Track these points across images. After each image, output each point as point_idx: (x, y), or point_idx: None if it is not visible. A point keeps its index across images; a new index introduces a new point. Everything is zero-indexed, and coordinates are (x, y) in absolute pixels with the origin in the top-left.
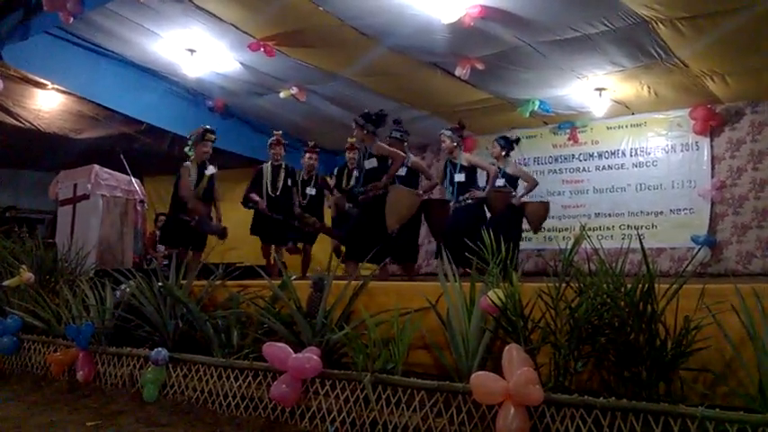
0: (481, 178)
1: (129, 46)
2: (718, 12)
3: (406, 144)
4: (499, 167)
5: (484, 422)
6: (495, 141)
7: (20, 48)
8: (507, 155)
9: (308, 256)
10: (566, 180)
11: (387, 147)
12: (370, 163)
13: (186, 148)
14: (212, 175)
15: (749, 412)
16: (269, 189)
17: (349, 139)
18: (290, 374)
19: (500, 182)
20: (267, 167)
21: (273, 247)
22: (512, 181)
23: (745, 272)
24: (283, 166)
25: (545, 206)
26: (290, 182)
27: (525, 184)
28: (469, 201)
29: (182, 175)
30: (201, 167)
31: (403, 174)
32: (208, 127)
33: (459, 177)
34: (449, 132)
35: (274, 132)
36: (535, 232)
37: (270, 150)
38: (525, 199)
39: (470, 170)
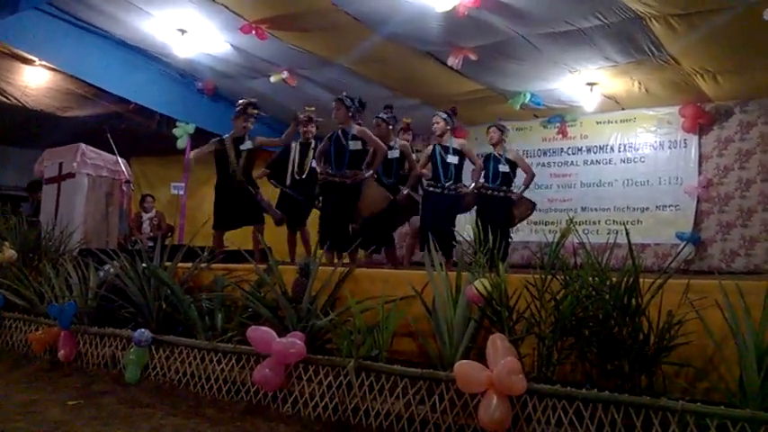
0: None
1: (119, 24)
2: (712, 9)
3: (391, 128)
4: (499, 153)
5: (466, 410)
6: (494, 127)
7: (8, 23)
8: (505, 140)
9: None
10: (553, 174)
11: (372, 135)
12: (355, 144)
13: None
14: (250, 151)
15: (729, 407)
16: (295, 170)
17: (307, 108)
18: (274, 359)
19: (504, 167)
20: (295, 146)
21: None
22: (513, 167)
23: (728, 270)
24: (313, 145)
25: (531, 206)
26: (314, 163)
27: (524, 174)
28: (452, 191)
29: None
30: (238, 142)
31: (396, 156)
32: (252, 100)
33: (453, 159)
34: (444, 115)
35: (306, 108)
36: (511, 226)
37: (300, 127)
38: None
39: (462, 155)
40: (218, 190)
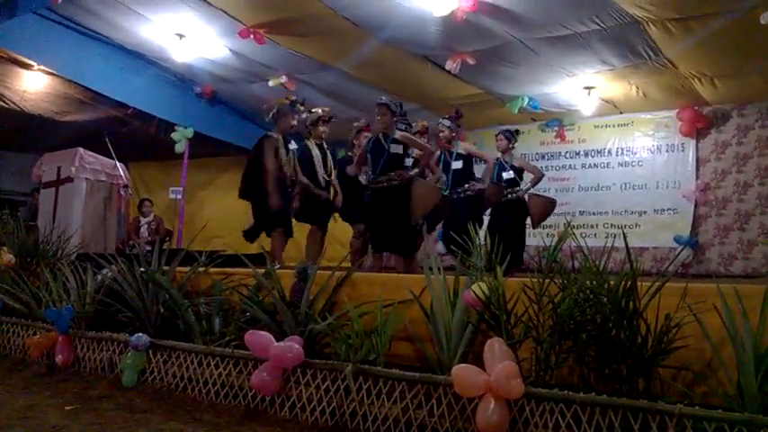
0: (477, 170)
1: (117, 29)
2: (709, 13)
3: None
4: (505, 160)
5: (464, 414)
6: (500, 134)
7: (6, 27)
8: (513, 147)
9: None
10: (552, 177)
11: (414, 137)
12: (396, 148)
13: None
14: (294, 151)
15: (727, 411)
16: (323, 172)
17: (324, 109)
18: (272, 363)
19: (508, 174)
20: (311, 146)
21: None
22: (519, 173)
23: (726, 273)
24: (325, 146)
25: (551, 204)
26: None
27: (531, 176)
28: (469, 192)
29: (266, 148)
30: (285, 143)
31: (409, 164)
32: (295, 97)
33: (456, 165)
34: (447, 122)
35: (323, 109)
36: (534, 228)
37: (317, 127)
38: (532, 191)
39: (467, 159)
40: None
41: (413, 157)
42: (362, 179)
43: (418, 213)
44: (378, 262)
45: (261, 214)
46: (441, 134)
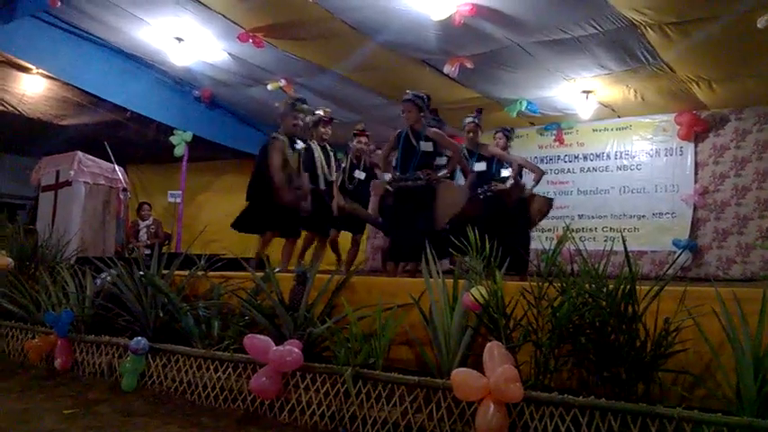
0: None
1: (116, 32)
2: (706, 17)
3: None
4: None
5: (463, 418)
6: (500, 133)
7: (4, 30)
8: (510, 146)
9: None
10: (550, 181)
11: (446, 136)
12: (426, 146)
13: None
14: (301, 151)
15: (726, 415)
16: (325, 173)
17: (326, 110)
18: (271, 367)
19: (507, 171)
20: (315, 147)
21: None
22: (519, 171)
23: (724, 277)
24: (329, 148)
25: (549, 203)
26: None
27: (532, 174)
28: (489, 193)
29: (272, 151)
30: (291, 143)
31: (443, 162)
32: (299, 95)
33: (480, 167)
34: (477, 119)
35: (324, 110)
36: (530, 228)
37: (317, 128)
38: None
39: (489, 161)
40: (262, 188)
41: (446, 156)
42: (386, 176)
43: (444, 218)
44: (392, 271)
45: (260, 212)
46: (470, 134)
